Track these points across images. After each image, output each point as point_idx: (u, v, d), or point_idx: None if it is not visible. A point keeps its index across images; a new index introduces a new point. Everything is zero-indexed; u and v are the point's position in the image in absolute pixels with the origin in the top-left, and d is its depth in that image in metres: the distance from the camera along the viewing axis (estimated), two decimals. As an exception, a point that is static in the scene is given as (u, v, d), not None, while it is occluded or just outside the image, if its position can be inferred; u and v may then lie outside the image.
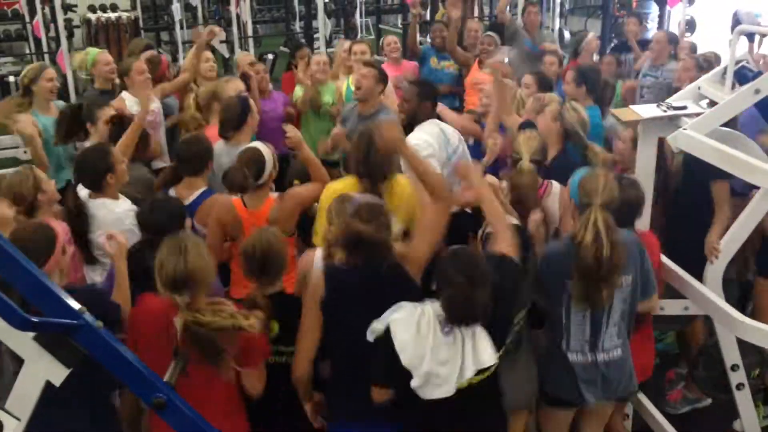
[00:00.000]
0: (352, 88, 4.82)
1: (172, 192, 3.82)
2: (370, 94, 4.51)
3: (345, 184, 3.44)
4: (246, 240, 3.00)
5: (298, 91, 5.77)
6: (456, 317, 2.50)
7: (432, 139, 3.89)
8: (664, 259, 3.53)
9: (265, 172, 3.52)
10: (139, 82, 4.95)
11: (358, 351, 2.68)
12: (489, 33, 6.31)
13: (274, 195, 3.65)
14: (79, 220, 3.44)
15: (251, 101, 4.28)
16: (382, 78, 4.57)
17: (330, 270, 2.83)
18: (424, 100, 4.10)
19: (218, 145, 4.14)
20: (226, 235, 3.62)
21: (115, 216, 3.48)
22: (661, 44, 6.19)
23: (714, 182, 3.80)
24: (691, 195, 3.97)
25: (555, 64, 5.80)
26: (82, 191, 3.58)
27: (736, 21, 6.33)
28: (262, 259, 2.88)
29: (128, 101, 4.88)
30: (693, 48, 6.62)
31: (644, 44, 6.91)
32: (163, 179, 4.03)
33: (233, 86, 4.84)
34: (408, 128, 3.95)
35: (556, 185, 3.61)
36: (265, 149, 3.59)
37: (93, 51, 5.48)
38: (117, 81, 5.23)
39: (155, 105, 5.01)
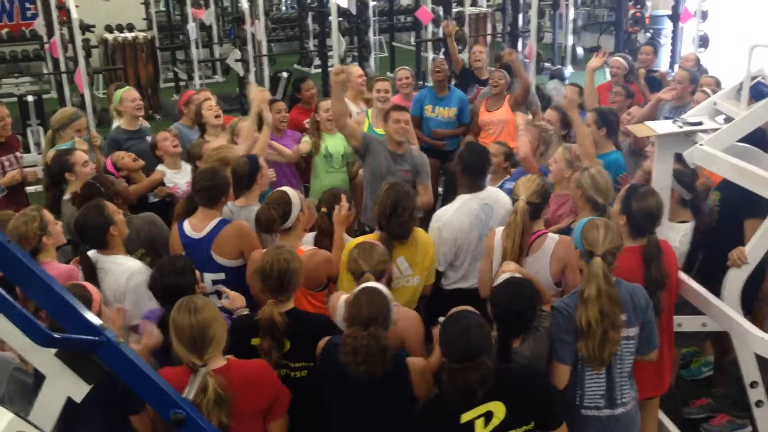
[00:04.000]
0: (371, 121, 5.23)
1: (186, 224, 3.69)
2: (409, 137, 4.72)
3: (365, 240, 3.41)
4: (263, 258, 2.99)
5: (305, 145, 5.28)
6: (457, 391, 2.49)
7: (445, 231, 3.79)
8: (681, 274, 3.51)
9: (291, 214, 3.47)
10: (171, 152, 4.84)
11: None
12: (501, 69, 6.18)
13: (307, 249, 3.52)
14: (93, 281, 3.29)
15: (261, 160, 4.11)
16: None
17: (329, 344, 2.82)
18: (467, 174, 3.91)
19: (228, 206, 3.92)
20: None
21: (127, 270, 3.35)
22: (683, 84, 5.58)
23: (747, 220, 3.67)
24: (727, 234, 3.79)
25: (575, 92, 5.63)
26: (92, 251, 3.46)
27: None
28: (279, 278, 2.89)
29: (168, 173, 4.78)
30: (697, 61, 6.59)
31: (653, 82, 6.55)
32: (180, 211, 3.88)
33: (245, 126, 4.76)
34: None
35: (552, 237, 3.51)
36: (292, 192, 3.55)
37: (120, 90, 5.40)
38: (142, 117, 5.31)
39: (186, 178, 4.79)
